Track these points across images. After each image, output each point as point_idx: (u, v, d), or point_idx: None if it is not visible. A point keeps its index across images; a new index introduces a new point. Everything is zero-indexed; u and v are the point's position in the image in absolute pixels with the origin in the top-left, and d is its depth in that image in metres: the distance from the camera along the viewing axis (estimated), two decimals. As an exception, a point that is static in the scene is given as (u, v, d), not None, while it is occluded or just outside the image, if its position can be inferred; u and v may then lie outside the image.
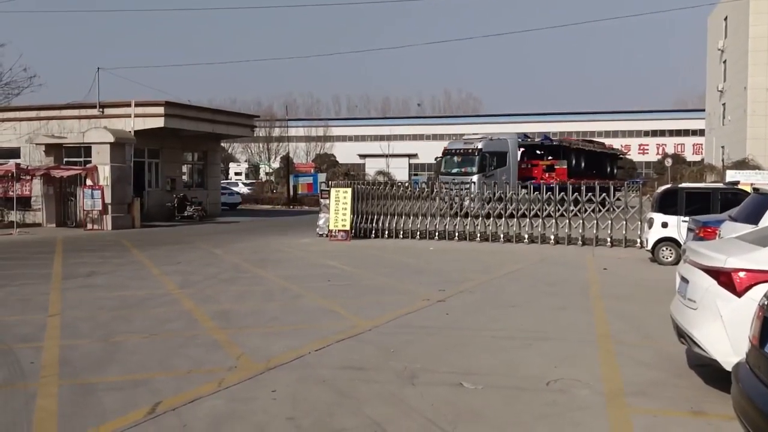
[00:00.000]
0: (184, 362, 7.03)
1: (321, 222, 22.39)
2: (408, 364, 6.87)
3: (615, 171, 42.97)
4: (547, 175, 33.81)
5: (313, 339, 7.92)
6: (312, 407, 5.65)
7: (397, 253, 17.87)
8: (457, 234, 21.21)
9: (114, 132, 26.62)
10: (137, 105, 28.85)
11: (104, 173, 25.96)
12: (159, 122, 28.82)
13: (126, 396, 5.93)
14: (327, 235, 21.45)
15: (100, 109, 29.39)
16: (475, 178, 29.94)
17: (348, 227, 21.13)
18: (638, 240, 18.45)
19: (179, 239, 21.86)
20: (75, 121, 29.44)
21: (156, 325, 8.87)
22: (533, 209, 21.02)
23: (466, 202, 25.99)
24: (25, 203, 27.59)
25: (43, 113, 29.96)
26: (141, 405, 5.65)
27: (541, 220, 20.43)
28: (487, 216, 21.44)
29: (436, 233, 21.44)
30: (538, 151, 36.99)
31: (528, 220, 20.59)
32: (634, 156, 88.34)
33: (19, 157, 29.30)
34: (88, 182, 25.97)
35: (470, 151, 31.74)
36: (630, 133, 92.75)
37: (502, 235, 20.65)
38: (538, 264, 15.66)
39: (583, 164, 36.94)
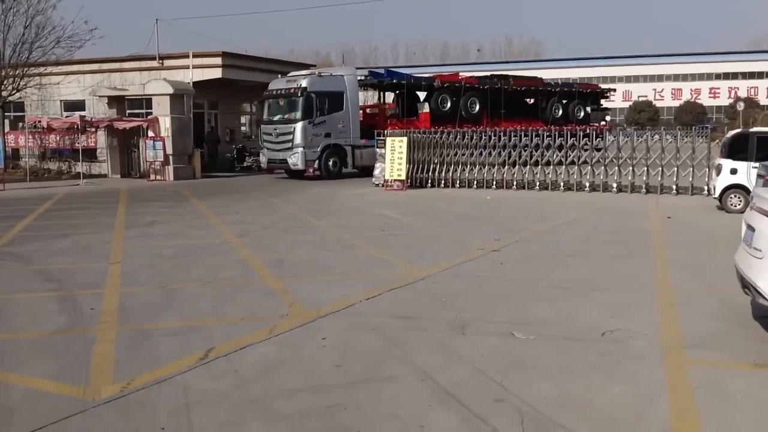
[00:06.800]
0: (237, 310, 7.12)
1: (377, 172, 22.30)
2: (459, 314, 6.79)
3: (581, 114, 33.99)
4: (389, 122, 26.76)
5: (365, 288, 7.91)
6: (361, 355, 5.64)
7: (452, 202, 17.68)
8: (515, 183, 20.82)
9: (173, 83, 26.92)
10: (195, 56, 29.06)
11: (165, 124, 26.35)
12: (217, 73, 28.99)
13: (180, 342, 6.04)
14: (383, 185, 21.37)
15: (160, 61, 29.76)
16: (298, 126, 24.29)
17: (404, 177, 20.98)
18: (705, 187, 17.77)
19: (238, 189, 22.16)
20: (136, 73, 29.91)
21: (212, 272, 9.01)
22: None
23: (291, 159, 23.90)
24: (90, 155, 28.50)
25: (105, 66, 30.54)
26: (194, 351, 5.74)
27: (603, 167, 19.83)
28: (547, 164, 20.92)
29: (494, 182, 21.09)
30: (422, 93, 28.94)
31: (590, 167, 20.04)
32: (705, 100, 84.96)
33: (84, 110, 30.05)
34: (150, 134, 26.47)
35: (292, 91, 24.77)
36: (700, 76, 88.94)
37: (562, 184, 20.19)
38: (598, 212, 15.25)
39: (477, 107, 28.93)
